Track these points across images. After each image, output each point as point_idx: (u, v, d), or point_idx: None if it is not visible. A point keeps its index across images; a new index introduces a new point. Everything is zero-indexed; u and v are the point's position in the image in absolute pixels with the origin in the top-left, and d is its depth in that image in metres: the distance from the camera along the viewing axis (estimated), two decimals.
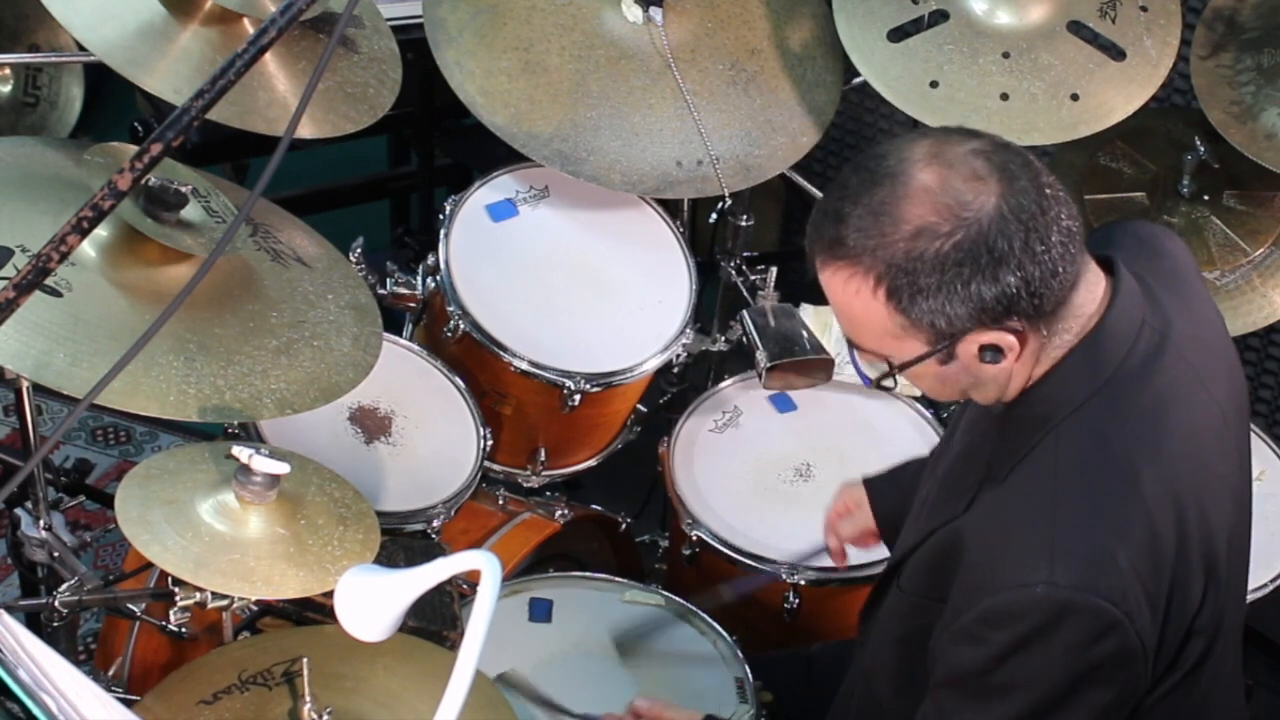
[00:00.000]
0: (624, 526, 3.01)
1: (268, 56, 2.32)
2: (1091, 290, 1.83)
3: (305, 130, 2.46)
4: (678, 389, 3.20)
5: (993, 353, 1.78)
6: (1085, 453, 1.80)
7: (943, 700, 1.89)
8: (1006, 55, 2.86)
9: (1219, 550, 1.87)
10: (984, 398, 1.89)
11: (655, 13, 2.90)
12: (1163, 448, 1.82)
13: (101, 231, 2.16)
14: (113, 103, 4.02)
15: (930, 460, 2.20)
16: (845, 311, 1.81)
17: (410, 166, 4.19)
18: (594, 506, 3.01)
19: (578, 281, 2.93)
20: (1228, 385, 1.96)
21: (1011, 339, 1.77)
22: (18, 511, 2.47)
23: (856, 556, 2.60)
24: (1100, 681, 1.79)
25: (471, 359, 2.85)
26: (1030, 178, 1.75)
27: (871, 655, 2.10)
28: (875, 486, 2.45)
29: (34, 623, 2.40)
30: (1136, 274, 1.89)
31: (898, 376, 1.85)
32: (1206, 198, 3.03)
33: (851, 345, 1.86)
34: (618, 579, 2.66)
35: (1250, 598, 2.69)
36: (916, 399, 3.00)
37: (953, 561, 1.87)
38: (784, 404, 3.01)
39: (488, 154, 3.21)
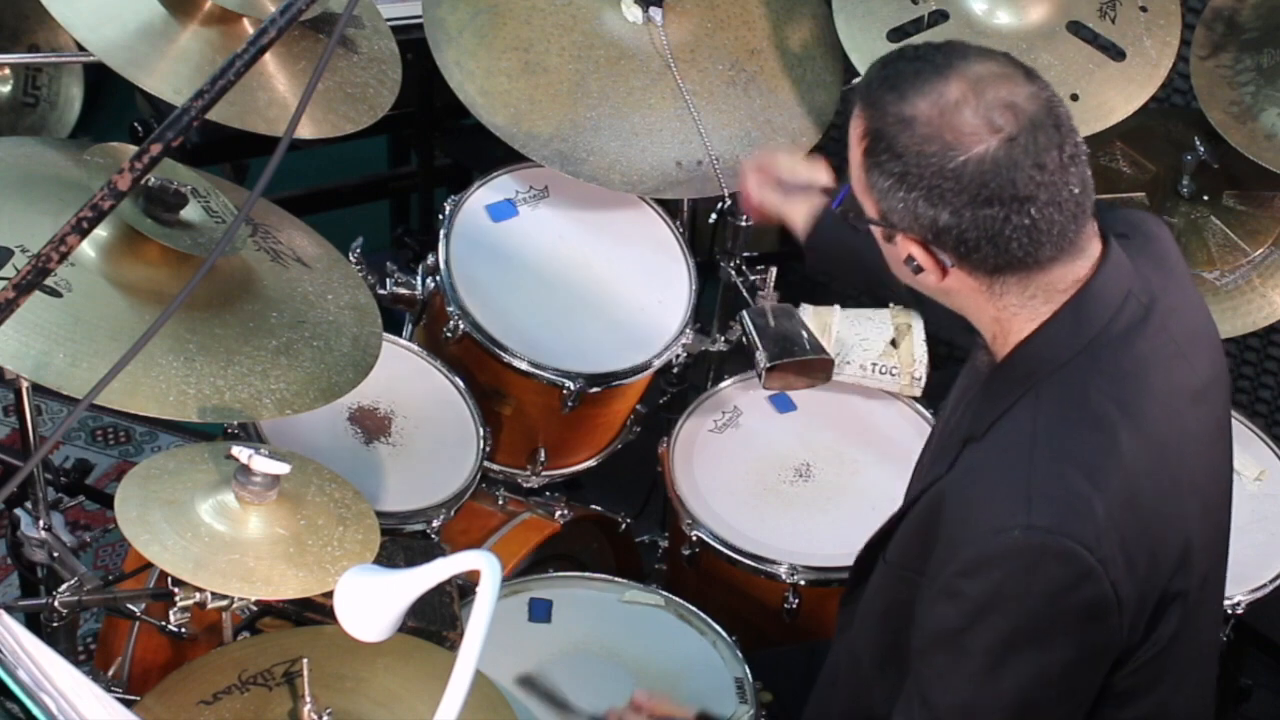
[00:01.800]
0: (624, 527, 3.01)
1: (267, 56, 2.32)
2: (1075, 271, 1.86)
3: (305, 130, 2.46)
4: (678, 389, 3.20)
5: (914, 264, 1.85)
6: (1064, 408, 1.84)
7: (923, 665, 1.90)
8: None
9: (1192, 517, 1.90)
10: (943, 301, 1.92)
11: (655, 13, 2.90)
12: (1141, 409, 1.84)
13: (101, 232, 2.16)
14: (112, 103, 4.01)
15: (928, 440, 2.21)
16: (849, 143, 1.89)
17: (410, 167, 4.18)
18: (594, 507, 3.01)
19: (578, 281, 2.93)
20: (1209, 365, 1.98)
21: (932, 262, 1.84)
22: (17, 512, 2.47)
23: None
24: (1075, 633, 1.80)
25: (471, 359, 2.85)
26: (1034, 163, 1.77)
27: (857, 633, 2.11)
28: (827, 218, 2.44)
29: (34, 623, 2.40)
30: (1128, 253, 1.92)
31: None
32: (1206, 198, 3.03)
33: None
34: (617, 579, 2.66)
35: (1249, 598, 2.70)
36: (917, 399, 3.00)
37: (934, 524, 1.90)
38: (784, 404, 3.01)
39: (487, 154, 3.21)
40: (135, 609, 2.40)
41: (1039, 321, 1.86)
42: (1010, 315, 1.87)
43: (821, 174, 2.45)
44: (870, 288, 2.51)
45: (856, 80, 2.99)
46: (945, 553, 1.85)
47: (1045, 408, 1.84)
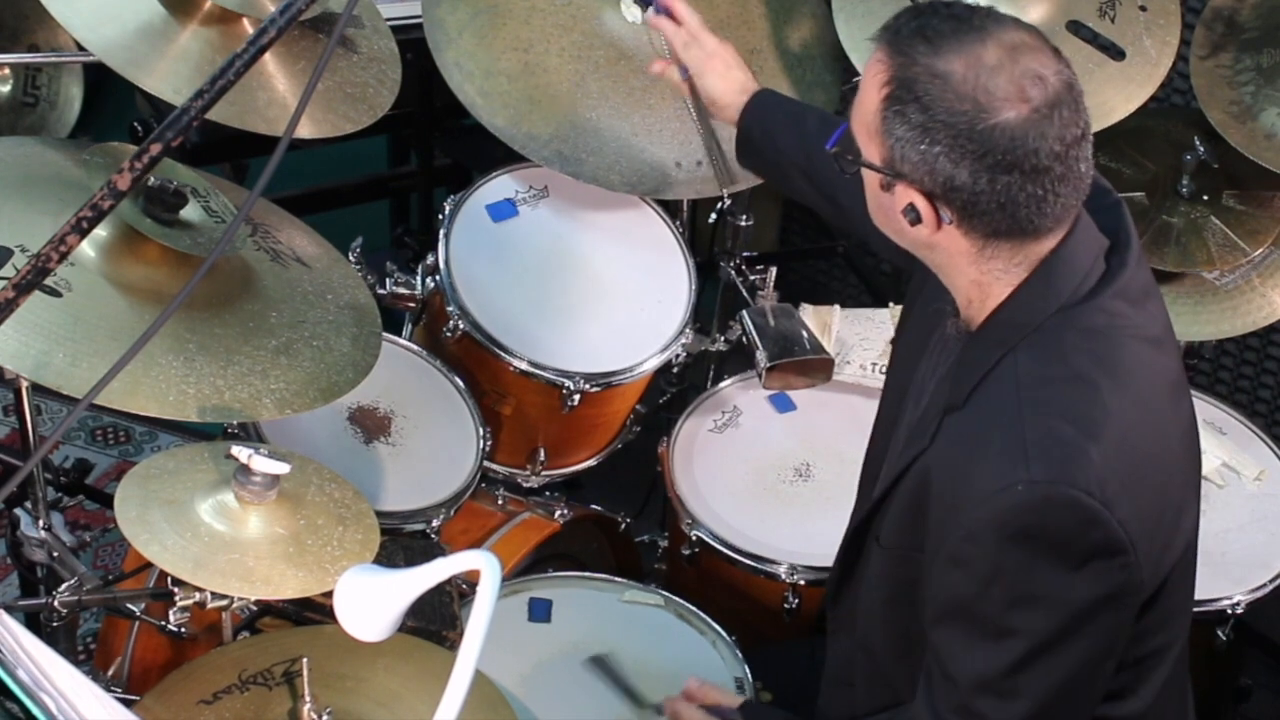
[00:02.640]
0: (623, 526, 3.01)
1: (267, 56, 2.32)
2: (1057, 239, 1.88)
3: (305, 130, 2.46)
4: (677, 389, 3.20)
5: (913, 214, 1.86)
6: (1045, 366, 1.86)
7: (938, 638, 1.90)
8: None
9: (1178, 469, 1.94)
10: (906, 245, 1.94)
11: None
12: (1118, 361, 1.87)
13: (101, 231, 2.16)
14: (112, 103, 4.01)
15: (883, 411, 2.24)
16: (861, 84, 1.91)
17: (410, 166, 4.18)
18: (593, 506, 3.01)
19: (578, 281, 2.93)
20: (1164, 315, 2.00)
21: (933, 216, 1.85)
22: (17, 511, 2.47)
23: None
24: (1091, 578, 1.81)
25: (471, 359, 2.85)
26: (1058, 137, 1.80)
27: (865, 629, 2.11)
28: (753, 113, 2.57)
29: (33, 623, 2.40)
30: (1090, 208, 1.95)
31: (860, 172, 1.93)
32: (1206, 198, 3.03)
33: (848, 119, 1.95)
34: (617, 579, 2.66)
35: (1249, 598, 2.69)
36: None
37: (924, 498, 1.90)
38: (784, 404, 3.01)
39: (487, 154, 3.21)
40: (135, 609, 2.40)
41: (1014, 286, 1.88)
42: (992, 279, 1.89)
43: (715, 91, 2.61)
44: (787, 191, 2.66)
45: (857, 80, 3.00)
46: (945, 522, 1.86)
47: (1025, 368, 1.86)
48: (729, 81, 2.60)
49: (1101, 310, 1.88)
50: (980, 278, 1.89)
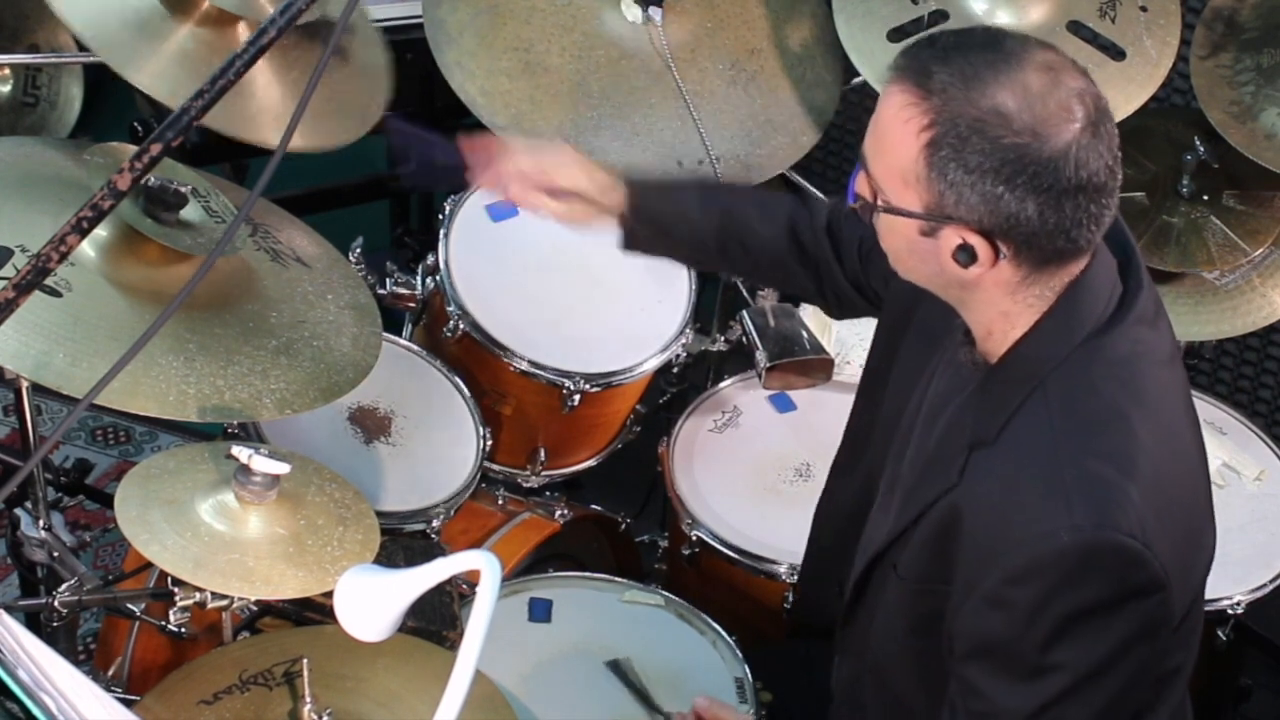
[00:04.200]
0: (623, 526, 3.01)
1: (260, 65, 2.32)
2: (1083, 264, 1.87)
3: (295, 143, 2.45)
4: (677, 389, 3.20)
5: (967, 254, 1.79)
6: (1077, 401, 1.83)
7: (972, 676, 1.87)
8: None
9: (1202, 491, 1.94)
10: (936, 288, 1.90)
11: (655, 13, 2.90)
12: (1144, 389, 1.85)
13: (101, 231, 2.16)
14: (112, 103, 4.01)
15: (861, 421, 2.21)
16: (882, 131, 1.82)
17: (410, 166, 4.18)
18: (594, 506, 3.01)
19: (578, 281, 2.93)
20: (1170, 333, 1.99)
21: (989, 253, 1.79)
22: (17, 511, 2.47)
23: None
24: (1132, 617, 1.80)
25: (471, 359, 2.85)
26: (1108, 149, 1.78)
27: (880, 654, 2.09)
28: (641, 187, 2.29)
29: (33, 623, 2.40)
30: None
31: (877, 219, 1.86)
32: (1206, 198, 3.03)
33: (862, 164, 1.86)
34: (617, 579, 2.66)
35: (1249, 598, 2.70)
36: None
37: (952, 537, 1.87)
38: (784, 404, 3.01)
39: None
40: (135, 609, 2.40)
41: (1039, 315, 1.85)
42: (1021, 309, 1.85)
43: (581, 179, 2.26)
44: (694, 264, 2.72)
45: (857, 80, 3.00)
46: (982, 562, 1.83)
47: (1057, 405, 1.83)
48: (588, 166, 2.31)
49: (1125, 338, 1.85)
50: (1011, 308, 1.85)
